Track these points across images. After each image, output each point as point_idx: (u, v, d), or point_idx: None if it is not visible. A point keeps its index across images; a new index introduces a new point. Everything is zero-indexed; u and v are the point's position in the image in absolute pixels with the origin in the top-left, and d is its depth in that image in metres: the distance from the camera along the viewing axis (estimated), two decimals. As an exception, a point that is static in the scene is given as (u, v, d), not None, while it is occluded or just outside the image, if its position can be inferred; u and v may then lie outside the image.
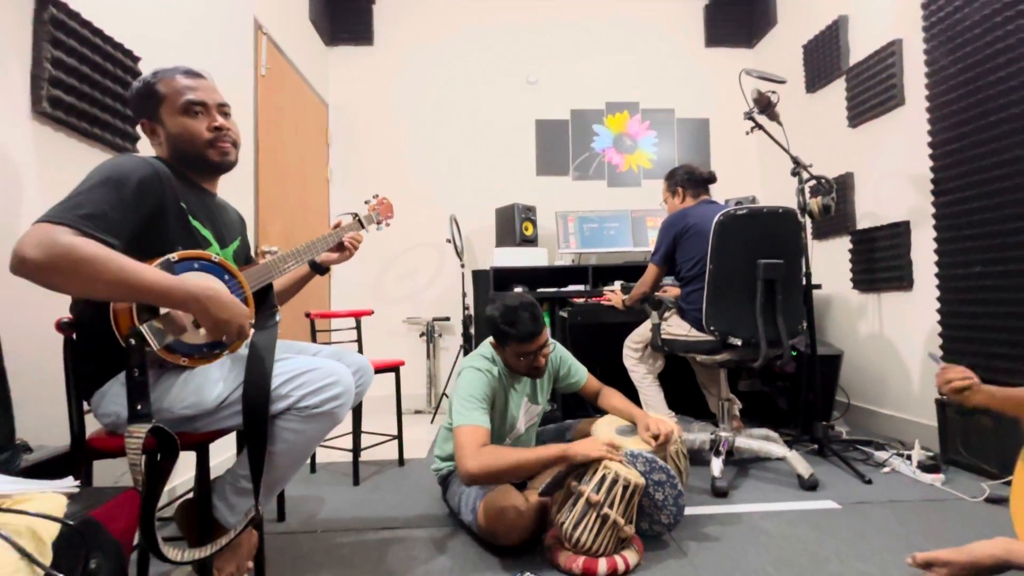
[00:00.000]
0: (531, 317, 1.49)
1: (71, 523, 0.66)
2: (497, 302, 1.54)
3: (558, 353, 1.76)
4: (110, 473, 1.36)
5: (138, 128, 1.15)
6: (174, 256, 0.96)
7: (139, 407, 0.90)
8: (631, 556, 1.30)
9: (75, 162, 1.35)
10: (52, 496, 0.72)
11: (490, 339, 1.61)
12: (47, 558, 0.65)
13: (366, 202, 1.58)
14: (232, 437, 1.28)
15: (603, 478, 1.31)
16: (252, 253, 1.34)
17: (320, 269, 1.40)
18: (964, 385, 1.18)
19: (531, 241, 3.16)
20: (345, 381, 1.06)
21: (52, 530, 0.67)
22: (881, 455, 2.04)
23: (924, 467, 1.87)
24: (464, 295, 3.21)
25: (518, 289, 2.98)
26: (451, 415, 1.52)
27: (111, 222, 0.90)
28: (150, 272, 0.88)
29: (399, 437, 2.25)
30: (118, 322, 0.90)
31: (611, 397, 1.76)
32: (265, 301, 1.13)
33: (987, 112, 1.93)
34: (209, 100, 1.12)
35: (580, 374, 1.78)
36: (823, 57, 2.87)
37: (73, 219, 0.85)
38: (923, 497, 1.71)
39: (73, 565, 0.68)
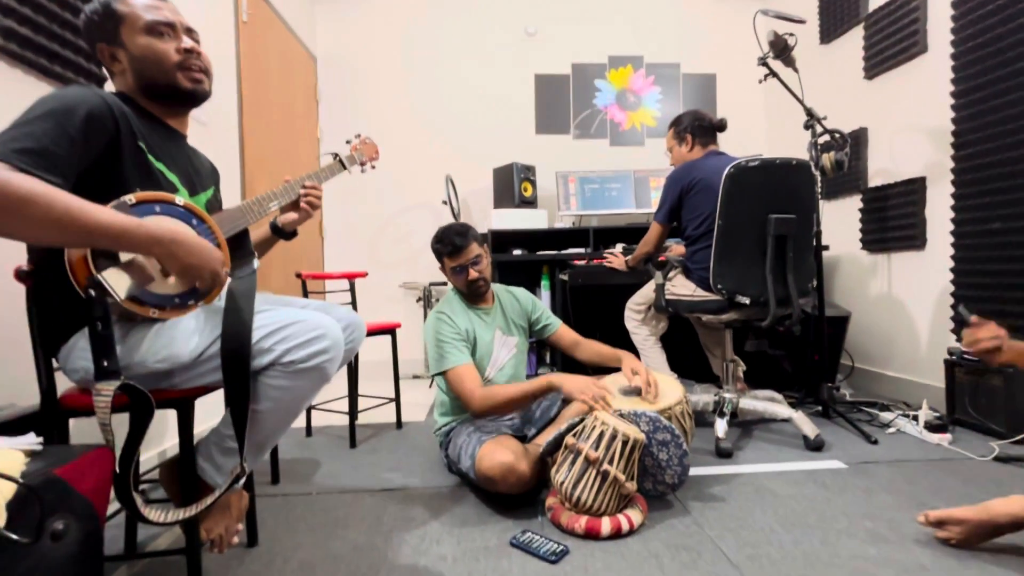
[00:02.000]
0: (457, 233, 1.63)
1: (22, 482, 0.59)
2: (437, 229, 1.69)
3: (530, 299, 1.83)
4: (94, 431, 1.31)
5: (99, 62, 1.03)
6: (130, 198, 0.85)
7: (105, 363, 0.82)
8: (635, 515, 1.27)
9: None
10: (8, 453, 0.66)
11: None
12: (0, 519, 0.59)
13: (347, 142, 1.47)
14: (221, 399, 1.22)
15: (601, 434, 1.27)
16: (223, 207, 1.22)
17: (283, 233, 1.25)
18: (994, 346, 1.12)
19: (530, 202, 3.06)
20: (333, 334, 0.98)
21: (7, 490, 0.61)
22: (886, 416, 2.01)
23: (931, 427, 1.84)
24: (461, 258, 3.12)
25: (517, 252, 2.90)
26: (431, 362, 1.60)
27: (53, 158, 0.79)
28: (102, 212, 0.78)
29: (396, 400, 2.21)
30: (75, 271, 0.81)
31: (591, 344, 1.76)
32: (241, 248, 1.04)
33: (1014, 59, 1.81)
34: (176, 20, 1.00)
35: (553, 320, 1.83)
36: (840, 4, 2.70)
37: (8, 154, 0.75)
38: (930, 456, 1.68)
39: (32, 526, 0.62)
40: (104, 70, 1.03)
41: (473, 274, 1.64)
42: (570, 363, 2.81)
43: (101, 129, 0.87)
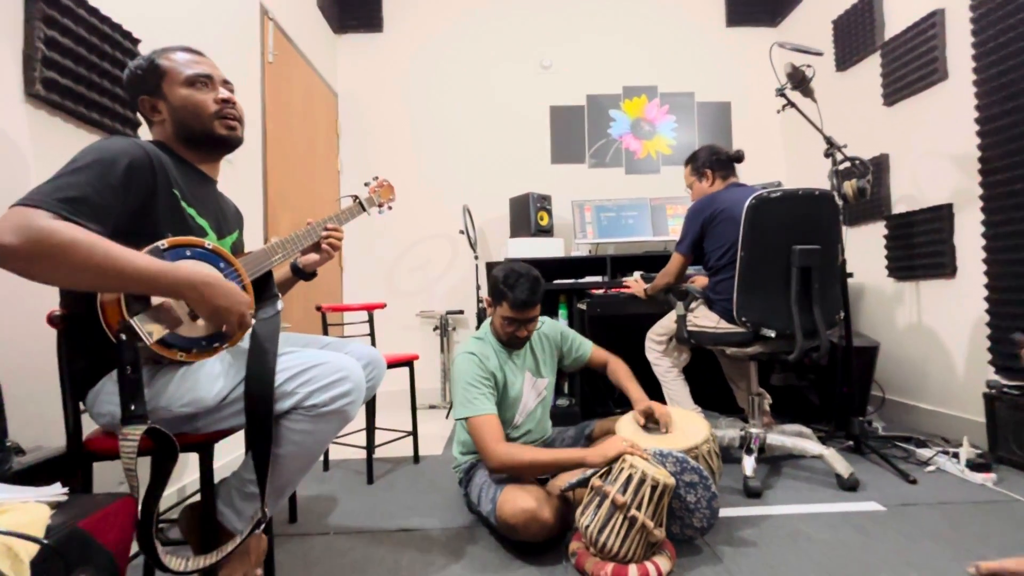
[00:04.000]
0: (531, 288, 1.51)
1: (46, 543, 0.58)
2: (505, 264, 1.58)
3: (558, 330, 1.76)
4: (116, 475, 1.31)
5: (138, 113, 1.08)
6: (163, 243, 0.88)
7: (133, 407, 0.82)
8: (663, 563, 1.21)
9: (72, 147, 1.24)
10: (34, 507, 0.66)
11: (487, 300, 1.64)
12: (24, 578, 0.58)
13: (366, 184, 1.49)
14: (242, 436, 1.21)
15: (629, 478, 1.22)
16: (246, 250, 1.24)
17: (304, 274, 1.27)
18: None
19: (547, 231, 3.06)
20: (355, 376, 0.98)
21: (31, 548, 0.60)
22: (924, 452, 1.92)
23: (973, 466, 1.75)
24: (478, 287, 3.13)
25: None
26: (455, 403, 1.53)
27: (94, 207, 0.82)
28: (139, 257, 0.81)
29: (414, 433, 2.18)
30: (106, 316, 0.82)
31: (617, 372, 1.73)
32: (266, 289, 1.05)
33: (1043, 83, 1.78)
34: (213, 74, 1.06)
35: (584, 347, 1.79)
36: (856, 32, 2.71)
37: (52, 203, 0.78)
38: (975, 498, 1.59)
39: (56, 584, 0.62)
40: (141, 118, 1.08)
41: (523, 333, 1.56)
42: (589, 392, 2.77)
43: (141, 179, 0.90)
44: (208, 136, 1.04)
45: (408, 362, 2.12)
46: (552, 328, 1.76)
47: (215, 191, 1.13)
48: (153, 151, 0.95)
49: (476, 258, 3.15)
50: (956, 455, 1.81)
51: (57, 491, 0.71)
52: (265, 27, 2.36)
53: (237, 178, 2.09)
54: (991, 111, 1.96)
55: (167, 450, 0.87)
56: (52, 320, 0.92)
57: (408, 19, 3.41)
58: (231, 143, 1.08)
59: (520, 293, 1.49)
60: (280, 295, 1.09)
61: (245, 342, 0.97)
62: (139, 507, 0.83)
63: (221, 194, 1.16)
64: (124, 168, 0.88)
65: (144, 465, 0.87)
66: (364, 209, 1.39)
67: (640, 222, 3.11)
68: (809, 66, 1.96)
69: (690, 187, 2.11)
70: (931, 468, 1.83)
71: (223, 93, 1.05)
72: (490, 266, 3.14)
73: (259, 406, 0.92)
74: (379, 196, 1.47)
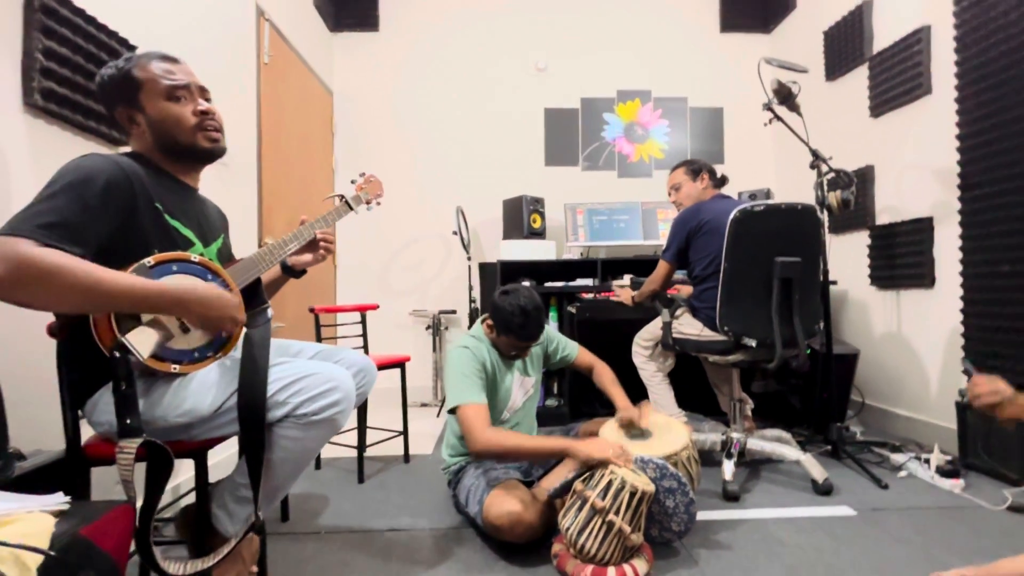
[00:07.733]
0: (538, 324, 1.59)
1: (52, 554, 0.62)
2: (511, 295, 1.59)
3: (544, 334, 1.79)
4: (112, 477, 1.34)
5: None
6: (149, 261, 0.90)
7: (128, 421, 0.86)
8: (640, 565, 1.27)
9: (70, 155, 1.27)
10: (39, 517, 0.70)
11: (484, 319, 1.67)
12: (31, 584, 0.62)
13: (352, 181, 1.48)
14: (234, 437, 1.25)
15: (610, 483, 1.27)
16: (233, 252, 1.25)
17: (294, 272, 1.28)
18: (994, 401, 1.13)
19: (539, 234, 3.10)
20: (345, 386, 1.02)
21: (37, 556, 0.64)
22: (897, 458, 1.99)
23: (943, 472, 1.81)
24: (471, 288, 3.16)
25: (525, 283, 2.93)
26: (447, 393, 1.57)
27: (74, 230, 0.83)
28: (124, 278, 0.83)
29: (405, 434, 2.23)
30: (100, 334, 0.85)
31: (603, 377, 1.81)
32: (255, 297, 1.07)
33: (1020, 103, 1.83)
34: (191, 82, 1.05)
35: (570, 348, 1.86)
36: (845, 43, 2.75)
37: (32, 230, 0.79)
38: (942, 504, 1.66)
39: (60, 589, 0.65)
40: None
41: (525, 354, 1.68)
42: (577, 393, 2.82)
43: (119, 196, 0.91)
44: (191, 149, 1.04)
45: (399, 364, 2.15)
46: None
47: (196, 197, 1.14)
48: (130, 167, 0.95)
49: (469, 259, 3.18)
50: (927, 461, 1.88)
51: (59, 500, 0.75)
52: (261, 28, 2.36)
53: (232, 178, 2.10)
54: (971, 127, 2.02)
55: (162, 460, 0.91)
56: (51, 331, 0.95)
57: (404, 18, 3.42)
58: (214, 155, 1.08)
59: (529, 331, 1.57)
60: (269, 303, 1.12)
61: (237, 351, 1.01)
62: (137, 517, 0.87)
63: (202, 199, 1.17)
64: (101, 187, 0.88)
65: (140, 471, 0.91)
66: (351, 208, 1.38)
67: (631, 226, 3.15)
68: (795, 82, 2.01)
69: (676, 187, 2.15)
70: (903, 474, 1.90)
71: (202, 104, 1.05)
72: (483, 267, 3.19)
73: (252, 415, 0.96)
74: (366, 193, 1.46)
